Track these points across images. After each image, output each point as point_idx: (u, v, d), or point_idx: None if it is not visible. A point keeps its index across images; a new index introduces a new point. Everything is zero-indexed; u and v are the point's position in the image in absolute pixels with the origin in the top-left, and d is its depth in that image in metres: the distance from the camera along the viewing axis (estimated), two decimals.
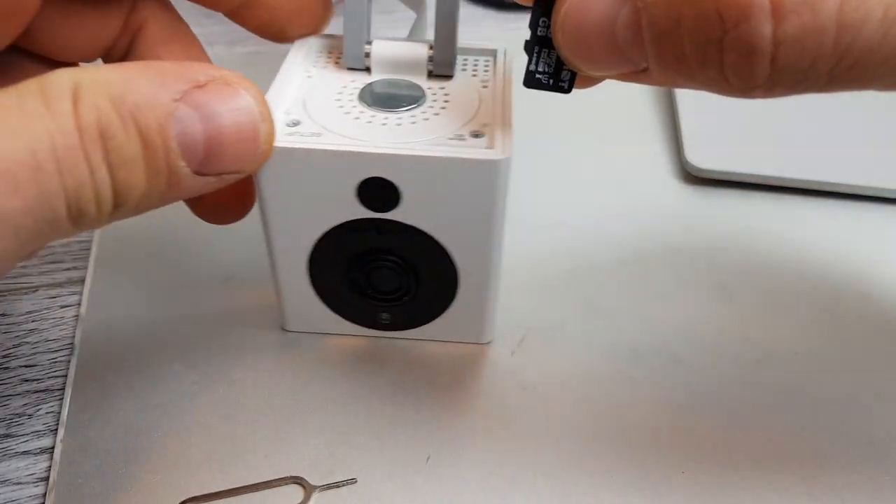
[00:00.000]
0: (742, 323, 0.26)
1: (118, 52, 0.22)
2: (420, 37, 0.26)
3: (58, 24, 0.20)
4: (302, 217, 0.22)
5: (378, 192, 0.21)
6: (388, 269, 0.23)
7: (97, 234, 0.29)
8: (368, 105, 0.22)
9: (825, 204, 0.32)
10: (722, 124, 0.35)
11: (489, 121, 0.22)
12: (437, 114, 0.22)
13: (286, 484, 0.21)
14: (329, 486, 0.21)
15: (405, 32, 0.26)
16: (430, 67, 0.23)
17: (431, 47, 0.23)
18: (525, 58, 0.19)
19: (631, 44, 0.15)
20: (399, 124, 0.21)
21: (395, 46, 0.23)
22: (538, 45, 0.18)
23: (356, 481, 0.21)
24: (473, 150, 0.20)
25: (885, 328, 0.26)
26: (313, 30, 0.24)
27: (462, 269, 0.23)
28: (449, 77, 0.23)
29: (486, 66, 0.24)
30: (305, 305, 0.25)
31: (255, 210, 0.23)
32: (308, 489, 0.21)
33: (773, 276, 0.28)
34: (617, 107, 0.38)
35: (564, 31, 0.17)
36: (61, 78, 0.15)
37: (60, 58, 0.21)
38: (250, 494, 0.21)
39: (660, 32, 0.15)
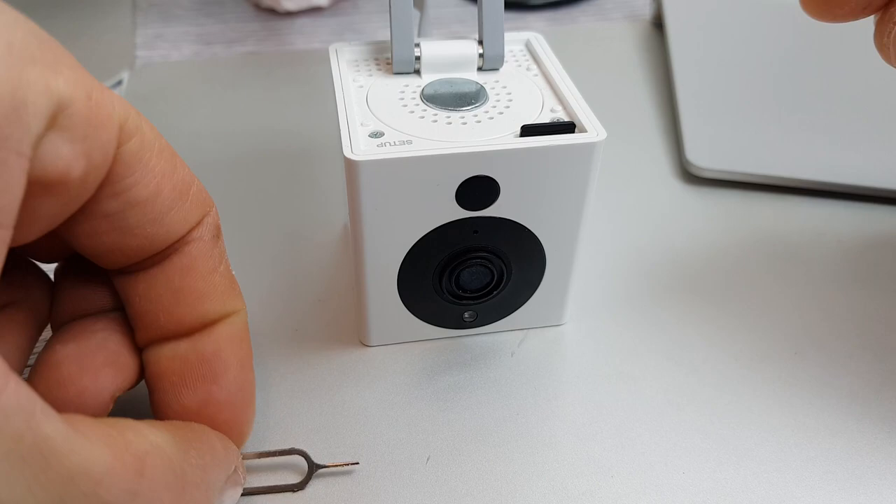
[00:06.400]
0: (743, 323, 0.26)
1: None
2: (425, 34, 0.26)
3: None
4: (397, 227, 0.21)
5: (478, 190, 0.21)
6: (479, 266, 0.23)
7: None
8: (438, 106, 0.22)
9: (825, 204, 0.32)
10: (722, 124, 0.35)
11: (556, 106, 0.22)
12: (507, 106, 0.22)
13: (290, 454, 0.21)
14: (331, 466, 0.21)
15: None
16: (481, 63, 0.23)
17: (480, 43, 0.23)
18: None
19: None
20: (478, 121, 0.21)
21: (443, 46, 0.23)
22: None
23: (359, 463, 0.21)
24: (569, 136, 0.20)
25: (886, 328, 0.26)
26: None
27: (549, 255, 0.23)
28: (496, 70, 0.23)
29: (524, 55, 0.25)
30: (390, 317, 0.24)
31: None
32: (311, 466, 0.21)
33: (773, 276, 0.28)
34: (618, 107, 0.38)
35: None
36: None
37: (46, 260, 0.20)
38: (255, 461, 0.21)
39: None
